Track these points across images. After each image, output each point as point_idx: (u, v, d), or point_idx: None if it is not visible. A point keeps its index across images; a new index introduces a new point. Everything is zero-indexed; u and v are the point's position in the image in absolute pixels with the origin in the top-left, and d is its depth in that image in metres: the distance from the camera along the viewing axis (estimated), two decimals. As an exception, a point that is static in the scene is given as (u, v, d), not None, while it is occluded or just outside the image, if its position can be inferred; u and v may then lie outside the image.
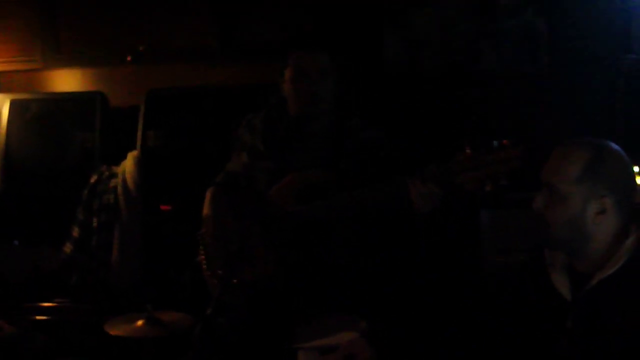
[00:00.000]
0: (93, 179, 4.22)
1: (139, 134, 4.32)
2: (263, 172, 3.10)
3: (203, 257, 3.04)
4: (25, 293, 3.83)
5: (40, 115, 4.46)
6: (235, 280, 2.70)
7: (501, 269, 3.42)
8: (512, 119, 4.05)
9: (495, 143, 2.58)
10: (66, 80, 4.77)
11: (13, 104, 4.49)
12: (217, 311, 2.41)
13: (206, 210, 3.08)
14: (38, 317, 3.89)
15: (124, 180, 4.15)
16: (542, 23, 4.04)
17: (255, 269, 2.85)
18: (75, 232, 4.15)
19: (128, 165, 4.19)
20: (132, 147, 4.30)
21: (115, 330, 3.03)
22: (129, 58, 4.50)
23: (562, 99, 3.99)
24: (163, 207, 4.15)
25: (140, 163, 4.19)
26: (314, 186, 2.93)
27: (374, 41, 4.26)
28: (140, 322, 3.05)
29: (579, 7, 3.99)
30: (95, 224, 4.13)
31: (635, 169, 2.41)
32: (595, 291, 2.18)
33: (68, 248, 4.12)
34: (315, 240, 2.90)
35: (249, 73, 4.43)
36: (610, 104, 3.78)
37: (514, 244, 3.46)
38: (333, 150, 3.04)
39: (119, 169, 4.21)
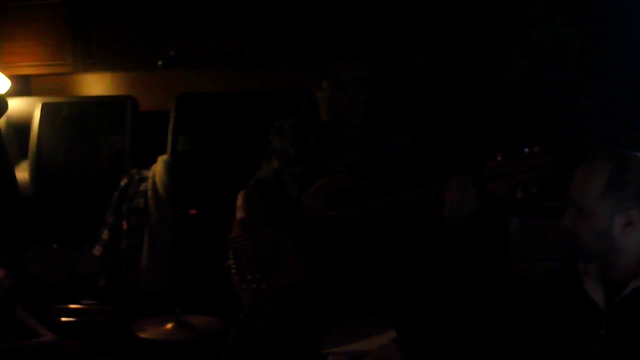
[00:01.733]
0: (123, 182, 4.25)
1: (169, 138, 4.34)
2: (293, 178, 3.10)
3: (232, 261, 3.06)
4: (61, 295, 3.87)
5: (71, 118, 4.50)
6: (265, 286, 2.71)
7: (530, 276, 3.41)
8: (543, 126, 4.04)
9: (526, 150, 2.59)
10: (97, 84, 4.81)
11: (45, 108, 4.53)
12: (249, 316, 2.42)
13: (237, 214, 3.09)
14: (67, 319, 3.93)
15: (154, 184, 4.17)
16: (573, 32, 4.03)
17: (285, 275, 2.86)
18: (105, 234, 4.17)
19: (158, 169, 4.21)
20: (162, 151, 4.32)
21: (145, 332, 3.05)
22: (159, 62, 4.53)
23: (592, 108, 3.98)
24: (191, 212, 4.16)
25: (170, 167, 4.21)
26: (345, 192, 2.94)
27: (405, 48, 4.26)
28: (169, 325, 3.06)
29: (609, 17, 3.97)
30: (124, 227, 4.16)
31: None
32: (630, 299, 2.18)
33: (97, 250, 4.14)
34: (347, 247, 2.91)
35: (279, 78, 4.44)
36: (640, 113, 3.77)
37: (543, 252, 3.44)
38: (364, 157, 3.04)
39: (149, 173, 4.23)
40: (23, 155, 4.53)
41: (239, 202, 3.11)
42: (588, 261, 2.31)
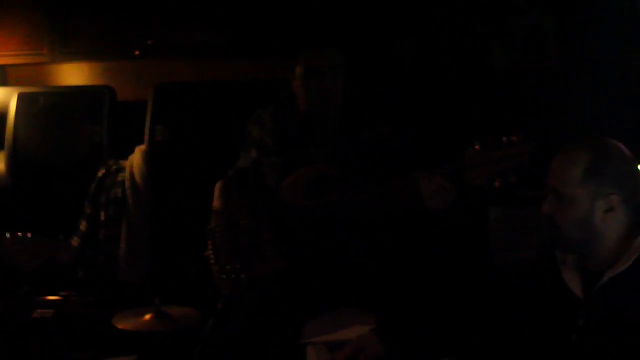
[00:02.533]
0: (100, 173, 4.21)
1: (147, 128, 4.32)
2: (272, 168, 3.10)
3: (211, 251, 3.04)
4: (37, 285, 3.84)
5: (48, 108, 4.46)
6: (244, 276, 2.71)
7: (510, 266, 3.42)
8: (521, 116, 4.04)
9: (504, 139, 2.59)
10: (74, 74, 4.77)
11: (21, 98, 4.48)
12: (228, 307, 2.41)
13: (216, 204, 3.07)
14: (44, 311, 3.90)
15: (132, 174, 4.15)
16: (551, 22, 4.03)
17: (265, 265, 2.85)
18: (83, 225, 4.14)
19: (136, 159, 4.19)
20: (140, 142, 4.29)
21: (123, 324, 3.02)
22: (137, 52, 4.50)
23: (571, 97, 3.99)
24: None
25: (148, 157, 4.18)
26: (324, 181, 2.93)
27: (384, 37, 4.25)
28: (148, 316, 3.03)
29: (588, 6, 3.98)
30: (102, 218, 4.13)
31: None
32: (607, 288, 2.17)
33: (75, 242, 4.11)
34: (325, 236, 2.90)
35: (258, 68, 4.43)
36: (620, 102, 3.77)
37: (522, 242, 3.45)
38: (343, 146, 3.03)
39: (126, 163, 4.20)
40: (-1, 146, 4.50)
41: (218, 192, 3.10)
42: (567, 250, 2.31)
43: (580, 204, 2.20)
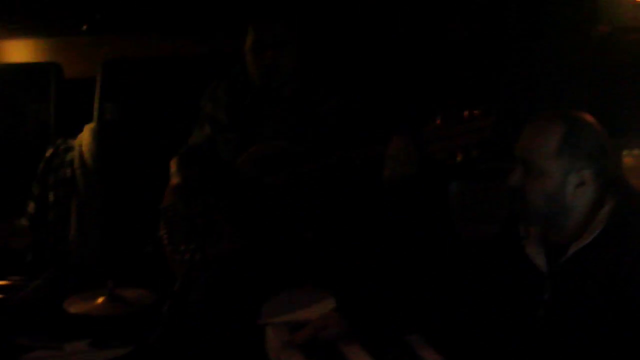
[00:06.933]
0: (48, 153, 4.11)
1: (96, 106, 4.23)
2: (227, 144, 3.06)
3: (165, 231, 2.98)
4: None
5: (-9, 87, 4.35)
6: (198, 256, 2.66)
7: (472, 240, 3.41)
8: (482, 89, 4.01)
9: (465, 113, 2.56)
10: (19, 51, 4.63)
11: (-37, 76, 4.36)
12: (184, 288, 2.36)
13: (170, 182, 3.02)
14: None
15: (81, 154, 4.06)
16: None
17: (220, 244, 2.80)
18: (31, 207, 4.05)
19: (85, 138, 4.09)
20: (88, 120, 4.19)
21: (75, 308, 2.97)
22: (84, 27, 4.39)
23: (532, 70, 3.96)
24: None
25: (97, 136, 4.09)
26: (279, 157, 2.89)
27: (338, 12, 4.19)
28: (101, 299, 2.98)
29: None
30: (51, 199, 4.04)
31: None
32: (572, 262, 2.16)
33: (24, 223, 4.03)
34: (282, 213, 2.86)
35: (210, 42, 4.34)
36: (579, 75, 3.77)
37: (484, 215, 3.45)
38: (299, 121, 2.99)
39: (75, 142, 4.11)
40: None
41: (172, 170, 3.05)
42: (533, 223, 2.28)
43: (552, 177, 2.17)
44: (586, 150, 2.15)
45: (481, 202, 3.52)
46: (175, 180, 3.01)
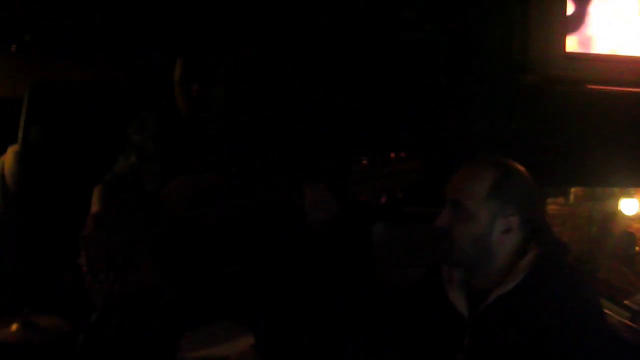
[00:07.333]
0: (-32, 174, 4.03)
1: (21, 127, 4.14)
2: (152, 174, 3.02)
3: (84, 259, 2.92)
4: None
5: None
6: (117, 286, 2.62)
7: (394, 283, 3.42)
8: (411, 132, 4.04)
9: (392, 155, 2.58)
10: (-58, 69, 4.53)
11: None
12: (102, 318, 2.32)
13: (92, 209, 2.97)
14: None
15: (2, 176, 3.98)
16: (443, 38, 4.06)
17: (140, 275, 2.76)
18: (-53, 228, 3.95)
19: (7, 159, 4.01)
20: (13, 142, 4.10)
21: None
22: (13, 47, 4.31)
23: (462, 117, 4.02)
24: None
25: (20, 158, 4.01)
26: (205, 191, 2.87)
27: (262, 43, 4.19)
28: (14, 327, 2.93)
29: (478, 26, 4.02)
30: (-32, 221, 3.94)
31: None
32: (493, 308, 2.19)
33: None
34: (204, 247, 2.83)
35: (140, 66, 4.30)
36: (508, 123, 3.83)
37: (407, 259, 3.46)
38: (224, 155, 2.99)
39: (-3, 163, 4.03)
40: None
41: (94, 197, 3.00)
42: (457, 265, 2.30)
43: (480, 221, 2.21)
44: (515, 196, 2.20)
45: (405, 246, 3.54)
46: (96, 208, 2.96)
